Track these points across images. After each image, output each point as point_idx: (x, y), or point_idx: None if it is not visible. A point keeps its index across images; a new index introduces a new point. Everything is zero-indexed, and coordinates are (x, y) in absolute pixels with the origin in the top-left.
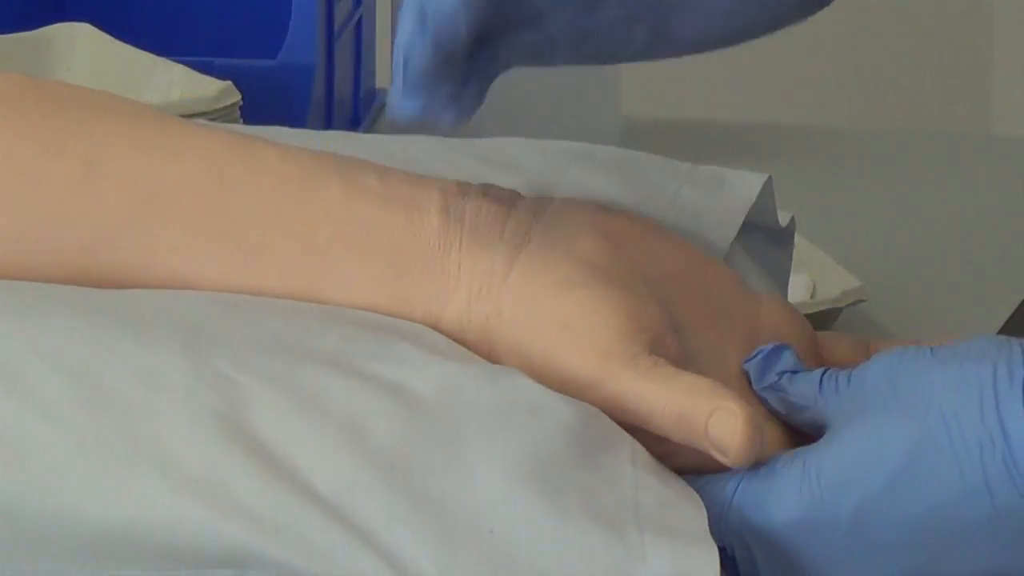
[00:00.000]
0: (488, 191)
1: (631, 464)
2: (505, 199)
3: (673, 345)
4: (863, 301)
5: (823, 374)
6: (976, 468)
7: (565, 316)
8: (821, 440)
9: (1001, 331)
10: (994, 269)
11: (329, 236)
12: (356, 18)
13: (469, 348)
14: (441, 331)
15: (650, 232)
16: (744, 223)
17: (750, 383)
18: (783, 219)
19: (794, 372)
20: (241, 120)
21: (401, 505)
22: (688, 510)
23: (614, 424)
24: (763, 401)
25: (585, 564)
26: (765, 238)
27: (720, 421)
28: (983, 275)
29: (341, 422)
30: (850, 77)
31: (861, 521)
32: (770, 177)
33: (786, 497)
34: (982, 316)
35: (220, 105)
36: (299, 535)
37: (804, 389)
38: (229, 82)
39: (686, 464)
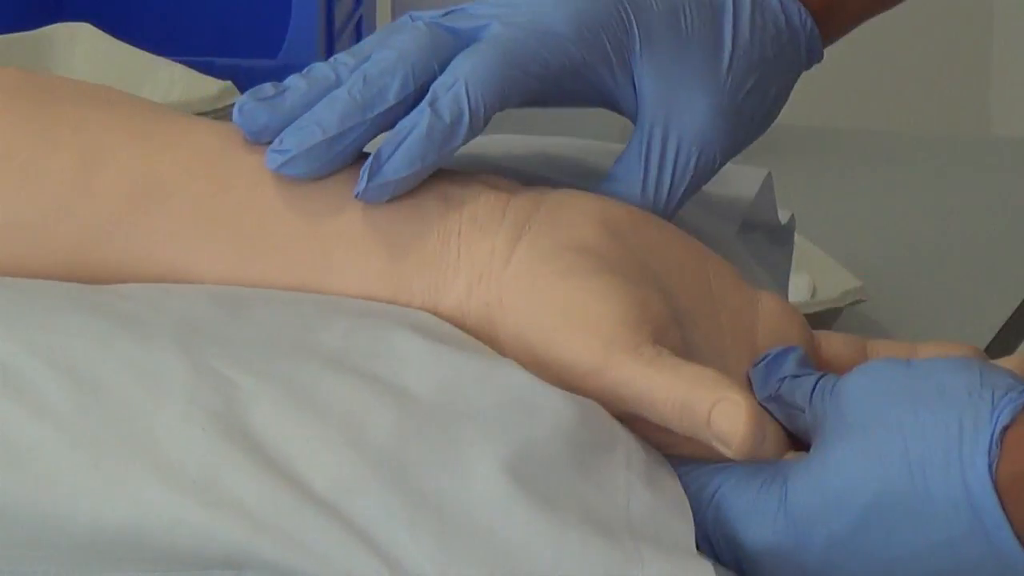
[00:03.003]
0: (488, 180)
1: (625, 469)
2: (505, 188)
3: (676, 336)
4: (863, 301)
5: (817, 380)
6: (941, 525)
7: (568, 304)
8: (801, 463)
9: (1001, 331)
10: (994, 269)
11: (328, 225)
12: (356, 18)
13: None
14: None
15: (650, 224)
16: (744, 221)
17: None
18: (783, 217)
19: (795, 376)
20: None
21: (398, 504)
22: (677, 527)
23: (612, 422)
24: (767, 411)
25: (583, 566)
26: (765, 236)
27: (723, 412)
28: (983, 275)
29: (339, 421)
30: (850, 77)
31: (830, 555)
32: (769, 173)
33: (762, 523)
34: (982, 316)
35: (220, 105)
36: (296, 535)
37: (798, 396)
38: (229, 82)
39: (686, 455)
